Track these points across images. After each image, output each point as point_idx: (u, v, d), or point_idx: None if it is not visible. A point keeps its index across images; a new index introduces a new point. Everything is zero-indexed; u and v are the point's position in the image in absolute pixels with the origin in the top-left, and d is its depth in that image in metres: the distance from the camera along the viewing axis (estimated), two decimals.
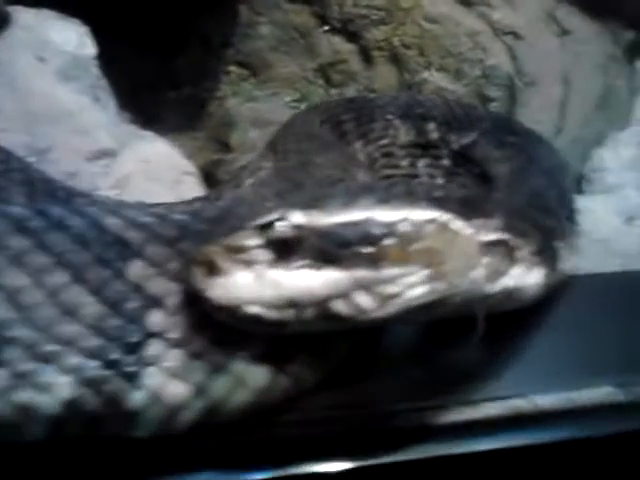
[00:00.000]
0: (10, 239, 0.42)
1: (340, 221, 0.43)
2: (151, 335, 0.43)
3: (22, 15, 0.81)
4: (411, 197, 0.45)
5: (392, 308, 0.42)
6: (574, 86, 0.93)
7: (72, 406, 0.41)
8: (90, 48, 0.82)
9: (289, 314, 0.42)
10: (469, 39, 0.95)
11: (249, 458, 0.46)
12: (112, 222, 0.44)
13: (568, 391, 0.49)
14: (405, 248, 0.42)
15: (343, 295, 0.42)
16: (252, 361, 0.44)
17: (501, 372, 0.50)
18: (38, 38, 0.80)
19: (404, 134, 0.67)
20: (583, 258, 0.57)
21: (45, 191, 0.60)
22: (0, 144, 0.67)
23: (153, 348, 0.43)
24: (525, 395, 0.49)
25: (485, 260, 0.45)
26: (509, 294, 0.47)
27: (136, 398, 0.42)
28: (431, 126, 0.67)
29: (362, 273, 0.42)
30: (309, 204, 0.44)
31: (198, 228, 0.45)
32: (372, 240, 0.42)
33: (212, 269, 0.42)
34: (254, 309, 0.42)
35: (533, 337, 0.53)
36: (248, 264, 0.42)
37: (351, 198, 0.44)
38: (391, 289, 0.42)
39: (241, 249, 0.43)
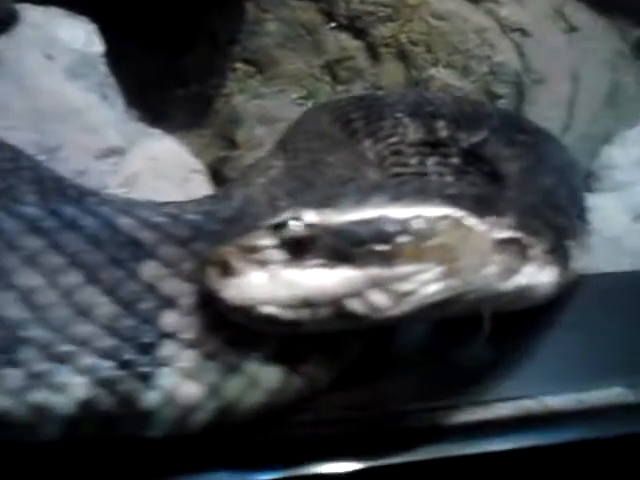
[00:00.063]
0: (24, 239, 0.42)
1: (353, 219, 0.43)
2: (165, 336, 0.43)
3: (30, 13, 0.81)
4: (424, 194, 0.45)
5: (407, 306, 0.42)
6: (582, 83, 0.93)
7: (87, 406, 0.42)
8: (98, 46, 0.82)
9: (304, 314, 0.42)
10: (476, 36, 0.95)
11: (262, 458, 0.46)
12: (125, 222, 0.44)
13: (578, 392, 0.49)
14: (419, 245, 0.42)
15: (357, 293, 0.42)
16: (265, 361, 0.44)
17: (512, 372, 0.50)
18: (46, 36, 0.80)
19: (413, 132, 0.67)
20: (594, 257, 0.57)
21: (55, 190, 0.60)
22: (9, 142, 0.67)
23: (167, 349, 0.43)
24: (535, 396, 0.49)
25: (498, 258, 0.45)
26: (522, 292, 0.47)
27: (150, 398, 0.42)
28: (440, 124, 0.67)
29: (376, 271, 0.42)
30: (322, 203, 0.44)
31: (211, 228, 0.45)
32: (386, 238, 0.42)
33: (226, 269, 0.42)
34: (268, 309, 0.42)
35: (544, 337, 0.53)
36: (262, 264, 0.42)
37: (364, 196, 0.44)
38: (405, 287, 0.42)
39: (255, 249, 0.43)
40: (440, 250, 0.42)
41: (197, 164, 0.82)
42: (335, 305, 0.42)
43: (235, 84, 1.02)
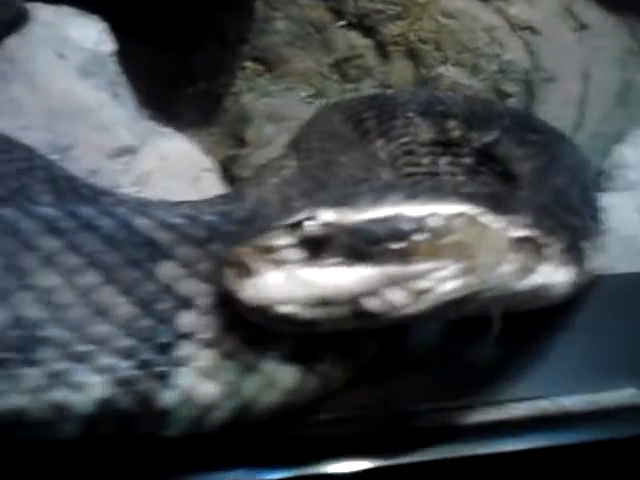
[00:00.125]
0: (42, 240, 0.42)
1: (370, 218, 0.43)
2: (182, 336, 0.43)
3: (42, 12, 0.81)
4: (439, 192, 0.45)
5: (424, 304, 0.42)
6: (592, 81, 0.93)
7: (105, 405, 0.42)
8: (109, 44, 0.82)
9: (321, 312, 0.42)
10: (486, 34, 0.95)
11: (276, 457, 0.46)
12: (142, 223, 0.44)
13: (592, 393, 0.49)
14: (435, 242, 0.42)
15: (374, 292, 0.42)
16: (282, 361, 0.44)
17: (526, 373, 0.50)
18: (58, 35, 0.80)
19: (425, 132, 0.67)
20: (609, 256, 0.57)
21: (69, 189, 0.61)
22: (24, 142, 0.67)
23: (184, 349, 0.43)
24: (550, 396, 0.49)
25: (514, 256, 0.45)
26: (537, 292, 0.47)
27: (167, 398, 0.43)
28: (452, 124, 0.67)
29: (393, 269, 0.42)
30: (338, 202, 0.44)
31: (228, 229, 0.45)
32: (402, 235, 0.42)
33: (243, 270, 0.42)
34: (286, 308, 0.42)
35: (558, 337, 0.53)
36: (279, 264, 0.43)
37: (379, 195, 0.44)
38: (423, 284, 0.42)
39: (271, 249, 0.43)
40: (456, 247, 0.42)
41: (208, 163, 0.83)
42: (352, 303, 0.42)
43: (244, 82, 1.02)
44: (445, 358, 0.52)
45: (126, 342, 0.42)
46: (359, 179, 0.55)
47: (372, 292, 0.42)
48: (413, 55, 0.95)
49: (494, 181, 0.63)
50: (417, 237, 0.42)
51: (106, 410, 0.42)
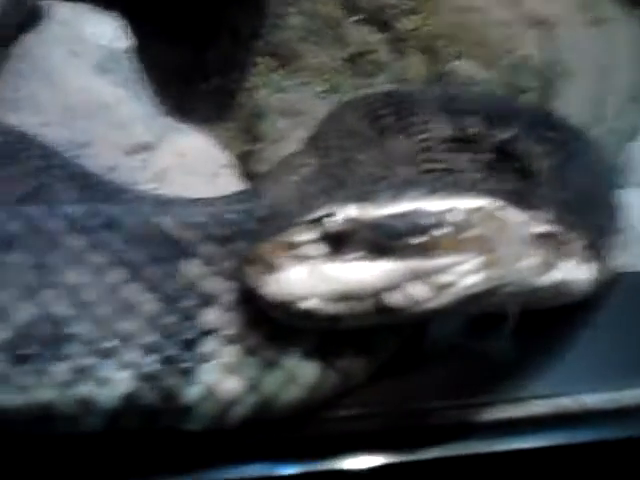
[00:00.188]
0: (68, 238, 0.43)
1: (391, 213, 0.43)
2: (206, 332, 0.44)
3: (58, 10, 0.81)
4: (458, 187, 0.45)
5: (446, 298, 0.43)
6: (608, 76, 0.92)
7: (129, 400, 0.43)
8: (125, 41, 0.82)
9: (343, 308, 0.43)
10: (500, 28, 0.94)
11: (294, 452, 0.47)
12: (166, 221, 0.44)
13: (613, 391, 0.49)
14: (456, 236, 0.43)
15: (397, 286, 0.42)
16: (304, 357, 0.45)
17: (547, 370, 0.50)
18: (74, 32, 0.81)
19: (443, 129, 0.67)
20: (630, 254, 0.56)
21: (88, 187, 0.61)
22: (41, 139, 0.67)
23: (208, 345, 0.43)
24: (571, 394, 0.49)
25: (535, 252, 0.45)
26: (559, 288, 0.47)
27: (191, 393, 0.43)
28: (470, 120, 0.66)
29: (415, 263, 0.42)
30: (360, 197, 0.44)
31: (250, 227, 0.45)
32: (424, 230, 0.43)
33: (266, 266, 0.43)
34: (308, 304, 0.42)
35: (579, 335, 0.53)
36: (301, 260, 0.43)
37: (400, 191, 0.44)
38: (445, 278, 0.42)
39: (294, 245, 0.43)
40: (477, 241, 0.43)
41: (225, 159, 0.83)
42: (374, 298, 0.43)
43: (258, 78, 1.02)
44: (465, 354, 0.52)
45: (151, 338, 0.43)
46: (378, 177, 0.55)
47: (394, 287, 0.42)
48: (427, 50, 0.95)
49: (512, 178, 0.63)
50: (439, 231, 0.43)
51: (130, 405, 0.43)
